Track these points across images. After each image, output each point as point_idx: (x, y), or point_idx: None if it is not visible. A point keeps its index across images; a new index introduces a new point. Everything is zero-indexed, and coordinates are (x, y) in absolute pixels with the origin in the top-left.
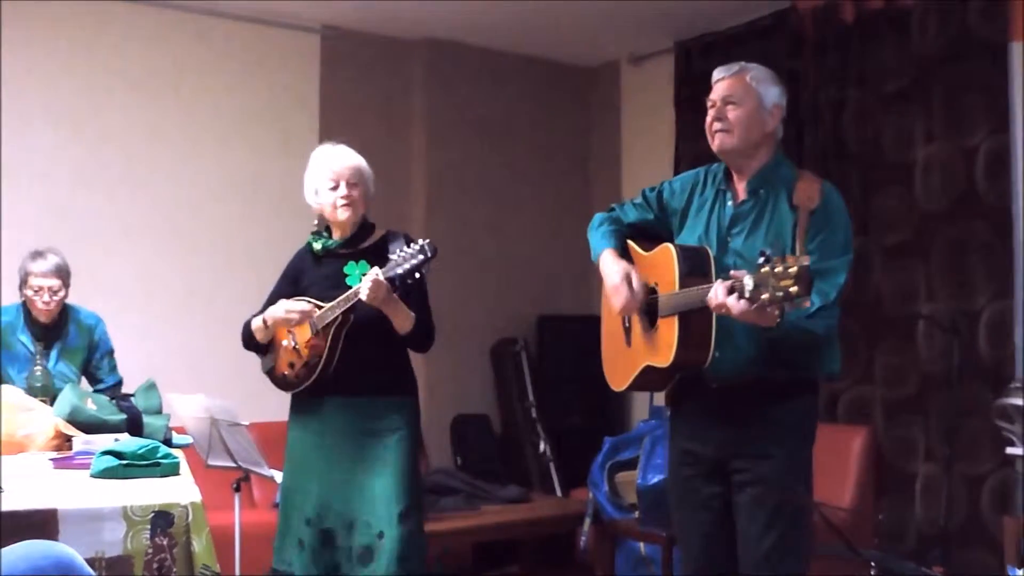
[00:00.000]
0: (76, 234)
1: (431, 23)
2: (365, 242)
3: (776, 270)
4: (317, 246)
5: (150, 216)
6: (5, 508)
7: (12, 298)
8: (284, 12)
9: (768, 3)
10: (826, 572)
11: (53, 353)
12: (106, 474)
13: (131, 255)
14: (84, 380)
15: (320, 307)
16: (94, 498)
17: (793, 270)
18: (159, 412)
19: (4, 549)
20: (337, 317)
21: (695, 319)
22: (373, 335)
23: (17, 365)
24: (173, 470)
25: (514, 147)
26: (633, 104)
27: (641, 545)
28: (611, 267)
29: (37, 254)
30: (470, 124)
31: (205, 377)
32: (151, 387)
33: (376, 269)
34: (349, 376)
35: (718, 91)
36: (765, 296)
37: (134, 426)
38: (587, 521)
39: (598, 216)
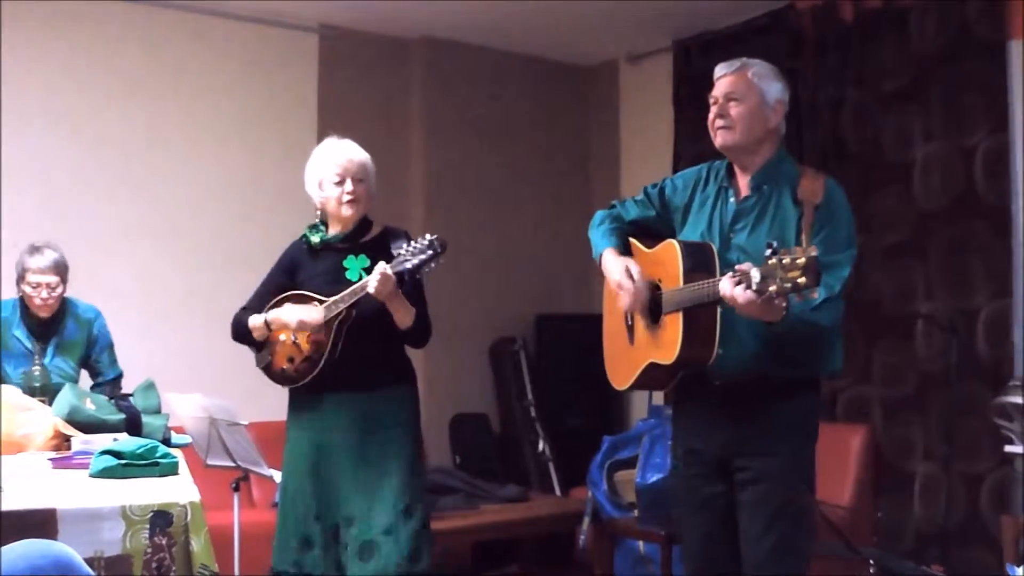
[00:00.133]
0: (75, 234)
1: (429, 22)
2: (364, 237)
3: (784, 261)
4: (315, 239)
5: (149, 216)
6: (4, 508)
7: (10, 293)
8: (282, 12)
9: (767, 2)
10: (825, 571)
11: (49, 348)
12: (105, 474)
13: (130, 255)
14: (84, 374)
15: (321, 301)
16: (93, 498)
17: (801, 261)
18: (158, 412)
19: (3, 548)
20: (341, 311)
21: (699, 315)
22: (374, 329)
23: (13, 361)
24: (172, 470)
25: (513, 146)
26: (632, 103)
27: (640, 544)
28: (612, 264)
29: (34, 249)
30: (469, 123)
31: (204, 377)
32: (150, 387)
33: (383, 263)
34: (351, 371)
35: (720, 88)
36: (773, 288)
37: (133, 426)
38: (586, 520)
39: (599, 214)
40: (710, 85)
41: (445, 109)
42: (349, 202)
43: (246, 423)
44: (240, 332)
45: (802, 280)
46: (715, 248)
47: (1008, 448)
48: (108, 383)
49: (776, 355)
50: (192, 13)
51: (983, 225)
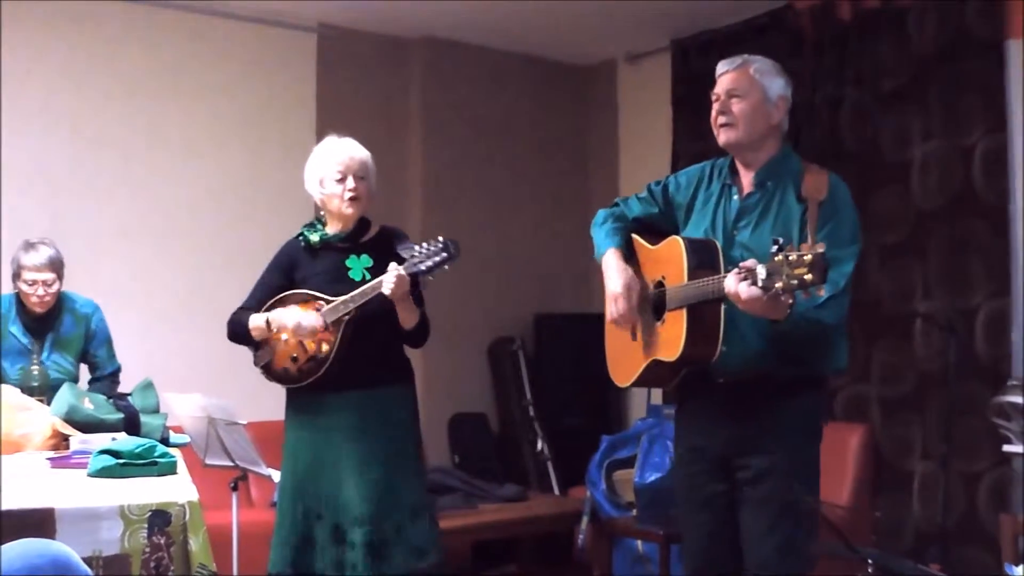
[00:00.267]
0: (75, 233)
1: (428, 22)
2: (364, 236)
3: (790, 258)
4: (315, 238)
5: (148, 215)
6: (3, 507)
7: (9, 290)
8: (282, 11)
9: (765, 2)
10: (824, 570)
11: (46, 344)
12: (103, 473)
13: (129, 254)
14: (83, 369)
15: (327, 300)
16: (91, 497)
17: (808, 258)
18: (156, 411)
19: (2, 548)
20: (351, 311)
21: (704, 312)
22: (377, 329)
23: (10, 358)
24: (170, 469)
25: (511, 146)
26: (630, 102)
27: (639, 543)
28: (614, 272)
29: (29, 246)
30: (467, 123)
31: (202, 376)
32: (148, 386)
33: (395, 264)
34: (355, 370)
35: (722, 84)
36: (779, 284)
37: (131, 425)
38: (585, 519)
39: (601, 212)
40: (709, 85)
41: (444, 109)
42: (351, 199)
43: (244, 423)
44: (238, 332)
45: (809, 277)
46: (720, 245)
47: (1006, 447)
48: (106, 377)
49: (780, 353)
50: (191, 13)
51: (981, 224)
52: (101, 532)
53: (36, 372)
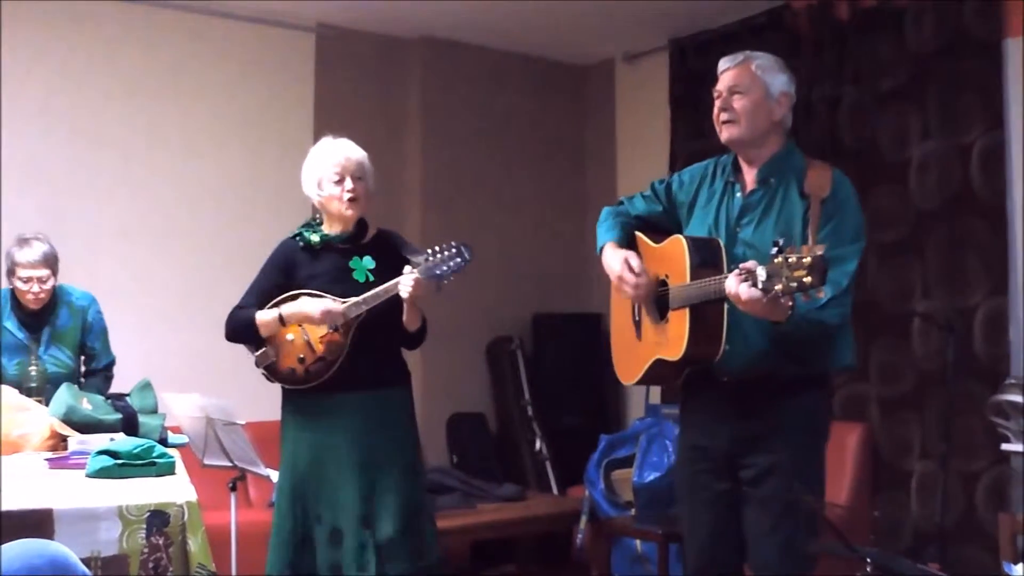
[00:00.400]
0: (74, 233)
1: (427, 22)
2: (364, 238)
3: (790, 260)
4: (315, 238)
5: (147, 215)
6: (2, 508)
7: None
8: (280, 11)
9: (763, 1)
10: (822, 569)
11: (43, 338)
12: (102, 474)
13: (128, 254)
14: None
15: (339, 301)
16: (90, 498)
17: (807, 260)
18: (155, 411)
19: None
20: (363, 313)
21: (706, 311)
22: (381, 329)
23: (7, 354)
24: (169, 469)
25: (510, 145)
26: (628, 102)
27: (637, 543)
28: (611, 258)
29: (23, 242)
30: (466, 122)
31: (201, 376)
32: (146, 386)
33: (409, 267)
34: (360, 372)
35: (723, 81)
36: (778, 287)
37: (130, 426)
38: (583, 519)
39: (605, 210)
40: (707, 84)
41: (442, 108)
42: (350, 200)
43: (243, 423)
44: (241, 329)
45: (808, 279)
46: (722, 244)
47: (1005, 446)
48: (100, 371)
49: (783, 352)
50: (190, 13)
51: (980, 223)
52: (99, 533)
53: (34, 368)
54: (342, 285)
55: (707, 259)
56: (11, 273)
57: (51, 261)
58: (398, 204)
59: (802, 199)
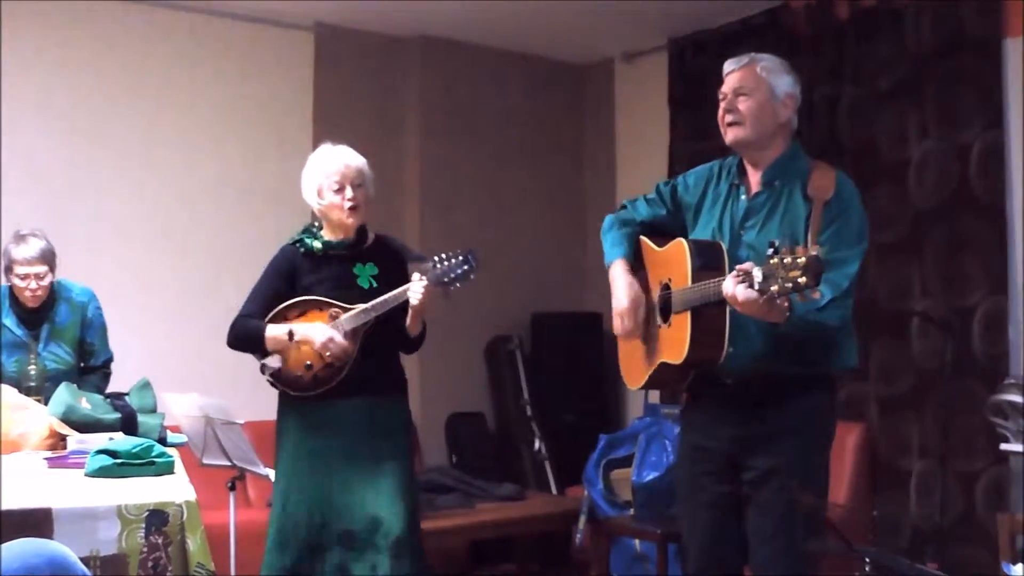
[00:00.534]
0: (71, 233)
1: (425, 20)
2: (365, 244)
3: (785, 261)
4: (317, 245)
5: (145, 214)
6: (1, 507)
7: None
8: (278, 10)
9: (762, 1)
10: (822, 569)
11: (42, 335)
12: (101, 473)
13: (126, 254)
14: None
15: (343, 308)
16: (89, 497)
17: (802, 260)
18: (153, 411)
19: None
20: (371, 319)
21: (708, 314)
22: (385, 336)
23: (6, 351)
24: (168, 469)
25: (508, 144)
26: (627, 101)
27: (636, 542)
28: (621, 286)
29: (20, 238)
30: (464, 121)
31: (200, 376)
32: (145, 386)
33: (418, 274)
34: (369, 376)
35: (729, 83)
36: (774, 288)
37: (129, 425)
38: (582, 519)
39: (609, 217)
40: (706, 84)
41: (440, 107)
42: (351, 209)
43: (242, 422)
44: (247, 339)
45: (803, 280)
46: (725, 247)
47: (1004, 446)
48: (98, 368)
49: (785, 353)
50: (188, 12)
51: (979, 223)
52: (99, 532)
53: (33, 367)
54: (347, 292)
55: (709, 262)
56: (8, 270)
57: (48, 257)
58: (397, 204)
59: (806, 201)
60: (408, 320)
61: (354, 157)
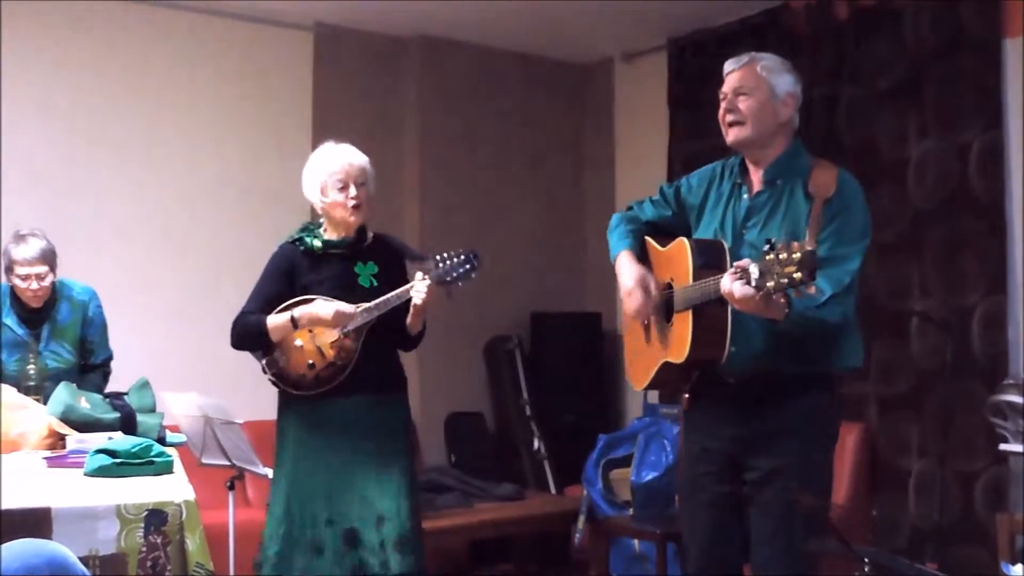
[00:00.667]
0: (70, 233)
1: (424, 21)
2: (365, 243)
3: (780, 257)
4: (317, 244)
5: (145, 214)
6: (0, 507)
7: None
8: (277, 10)
9: (761, 1)
10: (821, 569)
11: (43, 334)
12: (100, 472)
13: (126, 253)
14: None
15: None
16: (88, 496)
17: (797, 256)
18: (152, 410)
19: None
20: (373, 318)
21: (709, 313)
22: (386, 334)
23: (7, 350)
24: (167, 468)
25: (507, 144)
26: (626, 101)
27: (635, 542)
28: (626, 270)
29: (20, 238)
30: (463, 121)
31: (199, 375)
32: (144, 385)
33: (420, 273)
34: (370, 375)
35: (729, 83)
36: (771, 284)
37: (128, 424)
38: (581, 518)
39: (615, 216)
40: (705, 84)
41: (440, 107)
42: (355, 207)
43: (241, 422)
44: (250, 335)
45: (798, 275)
46: (727, 245)
47: (1003, 446)
48: (98, 367)
49: (788, 352)
50: (188, 12)
51: (978, 222)
52: (98, 531)
53: (32, 366)
54: (348, 291)
55: (710, 261)
56: (9, 271)
57: (49, 257)
58: (396, 204)
59: (807, 199)
60: (410, 319)
61: (357, 155)
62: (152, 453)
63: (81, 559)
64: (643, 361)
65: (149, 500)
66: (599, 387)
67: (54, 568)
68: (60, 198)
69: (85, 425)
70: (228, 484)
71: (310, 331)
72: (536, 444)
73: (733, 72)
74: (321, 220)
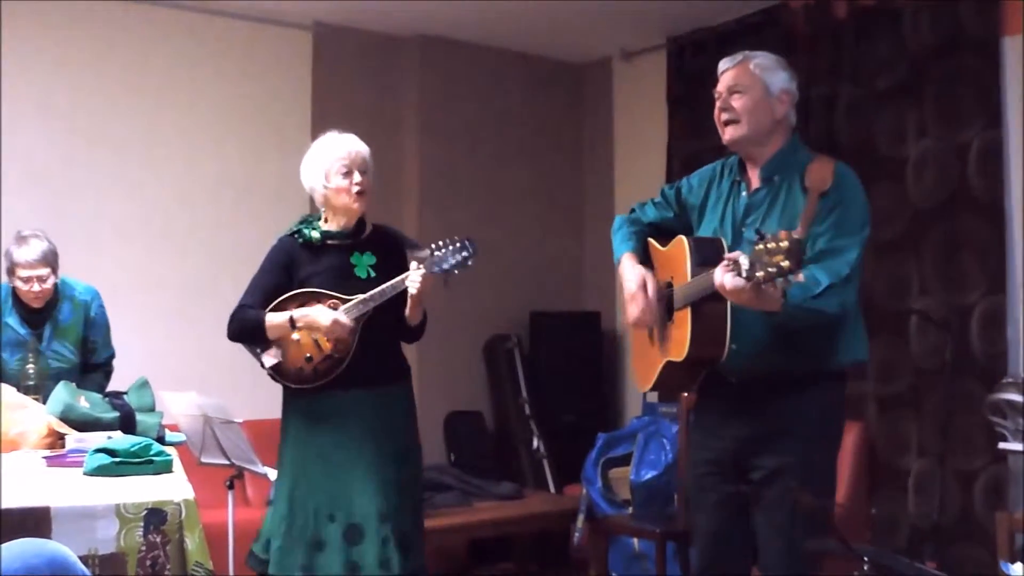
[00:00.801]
0: (70, 232)
1: (423, 20)
2: (364, 233)
3: (769, 246)
4: (315, 235)
5: (144, 213)
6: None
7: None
8: (277, 9)
9: (760, 0)
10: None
11: (45, 333)
12: (99, 472)
13: (125, 253)
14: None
15: (340, 299)
16: (87, 496)
17: (784, 244)
18: (152, 410)
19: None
20: (369, 309)
21: (707, 310)
22: (385, 326)
23: (9, 349)
24: (166, 468)
25: (506, 143)
26: (625, 100)
27: (635, 541)
28: (628, 273)
29: (21, 240)
30: (462, 120)
31: (198, 375)
32: (144, 385)
33: (416, 263)
34: (366, 368)
35: (723, 82)
36: (760, 274)
37: (127, 424)
38: (580, 517)
39: (618, 218)
40: (704, 82)
41: (439, 106)
42: (359, 193)
43: (240, 421)
44: (247, 329)
45: (785, 264)
46: (726, 243)
47: (1002, 445)
48: (100, 366)
49: (790, 348)
50: (187, 12)
51: (977, 221)
52: (97, 531)
53: (32, 366)
54: (345, 282)
55: (708, 258)
56: (11, 272)
57: (50, 259)
58: (395, 202)
59: (805, 194)
60: (408, 309)
61: (360, 144)
62: (151, 452)
63: (80, 558)
64: (648, 361)
65: (148, 499)
66: (598, 386)
67: (55, 568)
68: (60, 198)
69: (84, 424)
70: (227, 483)
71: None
72: (535, 443)
73: (727, 71)
74: (320, 212)
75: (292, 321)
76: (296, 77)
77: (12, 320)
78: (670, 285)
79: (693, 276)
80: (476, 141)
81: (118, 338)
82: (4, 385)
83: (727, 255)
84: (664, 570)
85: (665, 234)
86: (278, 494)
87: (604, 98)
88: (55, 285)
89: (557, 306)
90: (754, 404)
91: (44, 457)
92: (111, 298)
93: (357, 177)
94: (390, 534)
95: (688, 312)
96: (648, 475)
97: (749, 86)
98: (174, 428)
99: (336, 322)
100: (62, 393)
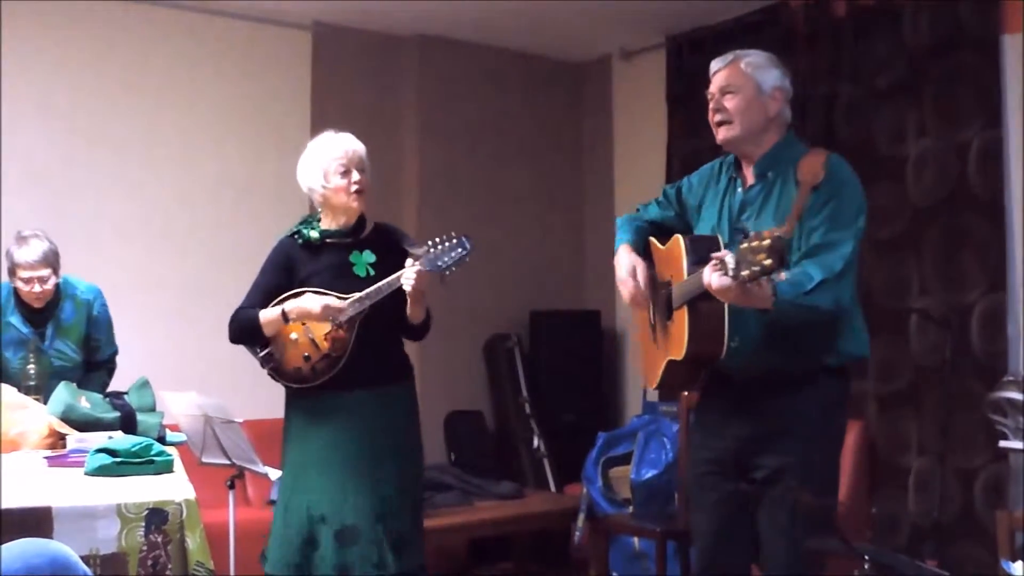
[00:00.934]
0: (70, 232)
1: (422, 19)
2: (363, 232)
3: (752, 245)
4: (314, 235)
5: (144, 213)
6: (1, 506)
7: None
8: (276, 9)
9: None
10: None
11: (48, 332)
12: (100, 472)
13: (125, 253)
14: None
15: (340, 298)
16: (88, 496)
17: (766, 243)
18: (153, 410)
19: (0, 548)
20: (366, 308)
21: (704, 307)
22: (385, 324)
23: (11, 348)
24: (167, 467)
25: (506, 142)
26: (625, 99)
27: (635, 540)
28: (620, 260)
29: (22, 240)
30: (462, 120)
31: (199, 375)
32: (144, 385)
33: (411, 260)
34: (365, 367)
35: (715, 83)
36: (745, 272)
37: (128, 424)
38: (581, 516)
39: (621, 217)
40: (703, 81)
41: (438, 106)
42: (357, 192)
43: (240, 421)
44: (245, 329)
45: (768, 262)
46: (722, 240)
47: (1003, 443)
48: (103, 364)
49: (786, 345)
50: (187, 11)
51: (977, 220)
52: (98, 531)
53: (32, 366)
54: (343, 281)
55: (704, 256)
56: (12, 273)
57: (51, 259)
58: (395, 202)
59: (799, 188)
60: (408, 307)
61: (358, 143)
62: (152, 452)
63: (82, 558)
64: (652, 361)
65: (149, 499)
66: (598, 385)
67: (56, 568)
68: (60, 198)
69: (85, 424)
70: (228, 483)
71: (303, 324)
72: (536, 442)
73: (719, 72)
74: (319, 212)
75: (284, 315)
76: (295, 77)
77: (14, 319)
78: (668, 283)
79: (689, 274)
80: (476, 141)
81: (118, 338)
82: (5, 385)
83: (714, 254)
84: (664, 569)
85: (667, 233)
86: (280, 494)
87: (604, 97)
88: (56, 285)
89: (557, 305)
90: (755, 403)
91: (45, 457)
92: (111, 298)
93: (355, 176)
94: (383, 535)
95: (685, 310)
96: (648, 474)
97: (741, 86)
98: (175, 428)
99: (327, 306)
100: (63, 393)
